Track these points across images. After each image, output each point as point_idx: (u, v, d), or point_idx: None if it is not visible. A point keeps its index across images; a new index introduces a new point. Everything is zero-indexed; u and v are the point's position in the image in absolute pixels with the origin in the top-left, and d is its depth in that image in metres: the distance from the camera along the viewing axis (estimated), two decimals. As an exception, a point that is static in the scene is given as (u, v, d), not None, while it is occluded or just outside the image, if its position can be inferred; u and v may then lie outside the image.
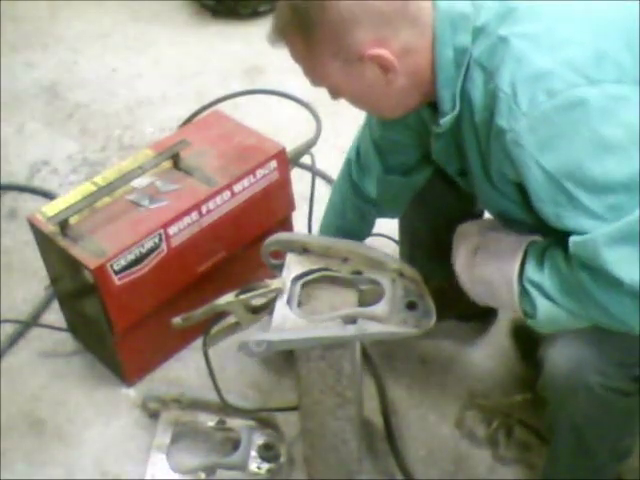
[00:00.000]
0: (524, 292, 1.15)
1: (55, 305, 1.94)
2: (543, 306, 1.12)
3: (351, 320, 1.28)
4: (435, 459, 1.62)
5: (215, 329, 1.38)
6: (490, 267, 1.21)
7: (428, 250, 1.73)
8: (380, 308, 1.28)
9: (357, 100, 1.25)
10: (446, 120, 1.17)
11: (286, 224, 1.97)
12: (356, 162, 1.54)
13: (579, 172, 1.04)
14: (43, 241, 1.72)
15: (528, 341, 1.36)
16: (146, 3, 3.27)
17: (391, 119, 1.30)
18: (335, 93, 1.24)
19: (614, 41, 1.08)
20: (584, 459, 1.31)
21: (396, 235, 2.03)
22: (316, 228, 2.00)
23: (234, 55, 2.94)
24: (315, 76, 1.23)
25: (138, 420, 1.73)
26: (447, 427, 1.68)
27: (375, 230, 2.08)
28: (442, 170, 1.48)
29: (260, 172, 1.80)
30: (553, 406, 1.25)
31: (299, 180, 2.02)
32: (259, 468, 1.58)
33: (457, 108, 1.16)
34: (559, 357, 1.18)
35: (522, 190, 1.13)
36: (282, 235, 1.41)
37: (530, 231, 1.20)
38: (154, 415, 1.70)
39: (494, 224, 1.30)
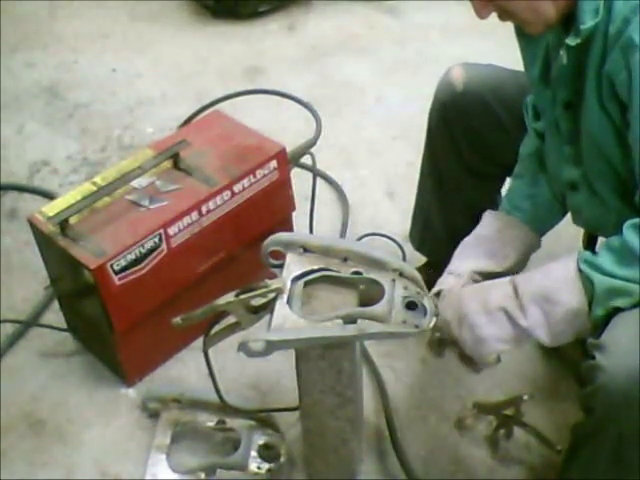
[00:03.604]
0: (581, 274, 1.20)
1: (55, 305, 1.93)
2: (599, 279, 1.18)
3: (351, 320, 1.28)
4: (435, 459, 1.62)
5: (215, 329, 1.37)
6: (542, 279, 1.25)
7: (439, 234, 1.76)
8: (380, 308, 1.28)
9: None
10: (587, 27, 1.19)
11: (286, 224, 1.97)
12: (531, 105, 1.55)
13: None
14: (43, 241, 1.72)
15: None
16: (146, 3, 3.27)
17: (533, 32, 1.30)
18: None
19: None
20: (618, 471, 1.29)
21: (396, 235, 2.04)
22: (316, 228, 2.01)
23: (234, 55, 2.94)
24: None
25: (138, 420, 1.73)
26: (447, 427, 1.68)
27: (375, 230, 2.09)
28: (467, 162, 1.57)
29: (260, 172, 1.80)
30: (601, 416, 1.21)
31: (299, 180, 2.02)
32: (259, 468, 1.58)
33: (600, 14, 1.18)
34: (618, 369, 1.15)
35: (624, 115, 1.20)
36: (282, 235, 1.41)
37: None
38: (154, 415, 1.70)
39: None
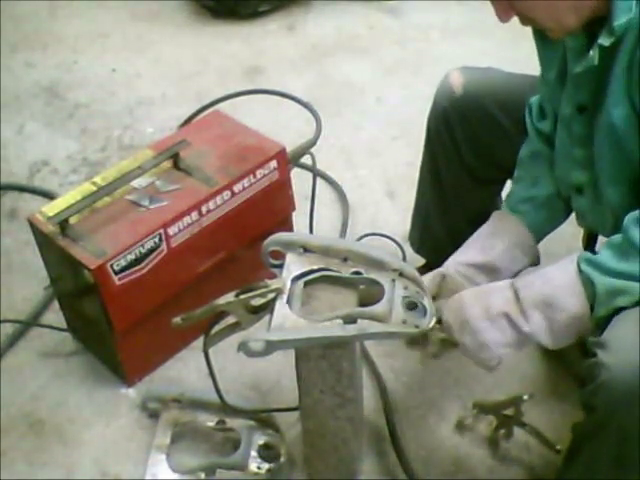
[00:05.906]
0: (581, 274, 1.21)
1: (55, 305, 1.93)
2: (599, 280, 1.19)
3: (351, 320, 1.28)
4: (435, 459, 1.62)
5: (215, 329, 1.37)
6: (542, 286, 1.25)
7: (438, 237, 1.77)
8: (380, 308, 1.28)
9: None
10: (621, 23, 1.18)
11: (286, 224, 1.97)
12: (537, 106, 1.54)
13: None
14: (43, 241, 1.72)
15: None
16: (146, 3, 3.27)
17: (555, 37, 1.29)
18: None
19: None
20: (619, 471, 1.28)
21: (396, 235, 2.04)
22: (316, 228, 2.01)
23: (234, 55, 2.94)
24: None
25: (138, 420, 1.73)
26: (447, 427, 1.68)
27: (375, 230, 2.09)
28: (468, 165, 1.59)
29: (260, 172, 1.80)
30: (603, 414, 1.20)
31: (299, 180, 2.02)
32: (259, 468, 1.58)
33: (633, 11, 1.17)
34: (620, 365, 1.14)
35: None
36: (282, 235, 1.41)
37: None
38: (154, 415, 1.70)
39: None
